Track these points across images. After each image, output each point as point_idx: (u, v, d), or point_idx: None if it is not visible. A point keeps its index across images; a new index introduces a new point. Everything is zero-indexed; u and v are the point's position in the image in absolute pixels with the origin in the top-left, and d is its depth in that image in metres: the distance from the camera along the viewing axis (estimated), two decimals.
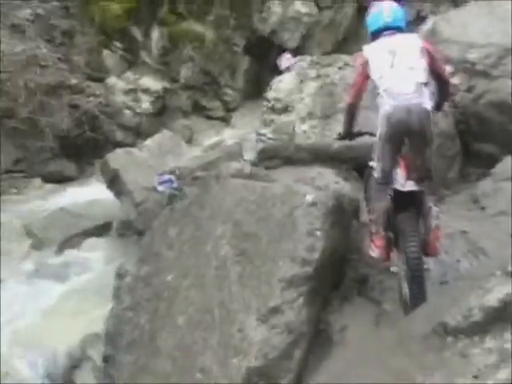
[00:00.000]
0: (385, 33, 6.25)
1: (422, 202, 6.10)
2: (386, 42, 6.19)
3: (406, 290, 5.94)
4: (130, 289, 6.98)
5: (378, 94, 6.02)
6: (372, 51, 6.21)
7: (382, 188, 6.16)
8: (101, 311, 7.67)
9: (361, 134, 6.71)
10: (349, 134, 6.66)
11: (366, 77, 6.22)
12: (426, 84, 6.00)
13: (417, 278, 5.78)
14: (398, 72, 5.96)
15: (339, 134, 6.82)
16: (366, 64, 6.19)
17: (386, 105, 5.91)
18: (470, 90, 8.86)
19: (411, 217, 6.01)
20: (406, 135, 5.96)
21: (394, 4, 6.54)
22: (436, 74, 6.33)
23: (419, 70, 5.98)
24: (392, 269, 6.20)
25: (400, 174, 6.16)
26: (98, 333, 7.49)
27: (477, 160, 8.88)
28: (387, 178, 6.11)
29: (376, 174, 6.17)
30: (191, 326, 6.37)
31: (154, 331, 6.59)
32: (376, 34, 6.33)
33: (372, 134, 6.51)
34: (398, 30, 6.27)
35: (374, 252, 6.27)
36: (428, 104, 5.95)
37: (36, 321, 8.24)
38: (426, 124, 5.90)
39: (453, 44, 9.34)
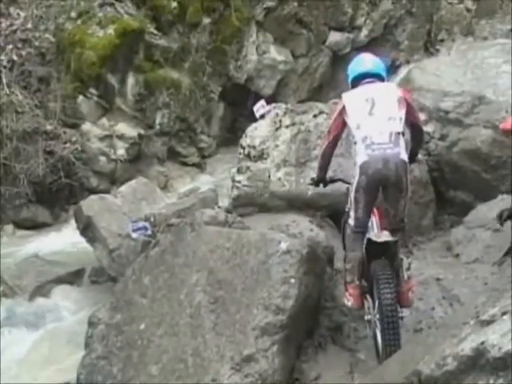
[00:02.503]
0: (364, 81, 6.30)
1: (395, 253, 6.12)
2: (364, 89, 6.24)
3: (379, 338, 5.92)
4: (103, 337, 6.88)
5: (355, 143, 6.04)
6: (350, 99, 6.26)
7: (357, 237, 6.16)
8: (73, 360, 7.57)
9: (334, 180, 6.76)
10: (323, 179, 6.68)
11: (342, 123, 6.27)
12: (402, 134, 6.04)
13: (391, 325, 5.76)
14: (375, 121, 5.99)
15: (313, 179, 6.85)
16: (343, 110, 6.23)
17: (363, 154, 5.93)
18: (443, 138, 8.95)
19: (385, 264, 6.02)
20: (382, 185, 5.95)
21: (375, 56, 6.67)
22: (412, 123, 6.38)
23: (396, 120, 6.01)
24: (366, 317, 6.18)
25: (375, 223, 6.17)
26: (70, 382, 7.37)
27: (450, 207, 8.94)
28: (362, 226, 6.12)
29: (351, 222, 6.17)
30: (165, 375, 6.30)
31: (126, 380, 6.49)
32: (356, 82, 6.39)
33: (345, 181, 6.56)
34: (378, 78, 6.34)
35: (349, 301, 6.25)
36: (404, 154, 5.98)
37: (6, 370, 8.09)
38: (402, 174, 5.92)
39: (427, 92, 9.45)
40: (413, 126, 6.43)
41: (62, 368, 7.99)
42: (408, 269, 6.13)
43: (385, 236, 6.04)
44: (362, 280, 6.21)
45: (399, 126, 6.02)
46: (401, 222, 6.08)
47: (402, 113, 6.09)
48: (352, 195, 6.06)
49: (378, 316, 5.91)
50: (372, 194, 6.00)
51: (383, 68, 6.51)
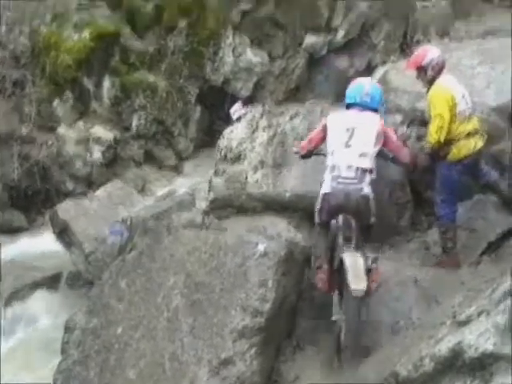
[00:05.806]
0: (356, 107, 6.66)
1: None
2: (348, 116, 6.63)
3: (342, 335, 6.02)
4: (79, 342, 6.84)
5: (327, 166, 6.48)
6: (333, 123, 6.65)
7: (323, 230, 6.54)
8: (49, 366, 7.50)
9: (317, 153, 7.05)
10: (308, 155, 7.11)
11: (323, 137, 6.72)
12: (370, 171, 6.37)
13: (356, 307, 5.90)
14: (348, 154, 6.36)
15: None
16: (325, 128, 6.67)
17: (327, 185, 6.36)
18: (419, 138, 8.95)
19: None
20: (343, 212, 6.28)
21: (375, 83, 6.88)
22: (392, 153, 6.79)
23: (367, 157, 6.39)
24: (334, 317, 6.23)
25: None
26: None
27: (428, 208, 8.92)
28: (325, 220, 6.47)
29: (316, 217, 6.55)
30: (142, 379, 6.28)
31: None
32: (350, 106, 6.75)
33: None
34: (371, 109, 6.68)
35: (318, 283, 6.60)
36: (367, 189, 6.31)
37: None
38: (362, 208, 6.27)
39: (403, 93, 9.46)
40: (394, 155, 6.84)
41: (38, 375, 7.91)
42: (374, 262, 6.31)
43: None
44: (331, 265, 6.44)
45: (368, 163, 6.37)
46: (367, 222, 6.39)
47: (376, 149, 6.47)
48: (316, 208, 6.48)
49: (344, 316, 6.01)
50: (333, 216, 6.34)
51: (380, 100, 6.80)
